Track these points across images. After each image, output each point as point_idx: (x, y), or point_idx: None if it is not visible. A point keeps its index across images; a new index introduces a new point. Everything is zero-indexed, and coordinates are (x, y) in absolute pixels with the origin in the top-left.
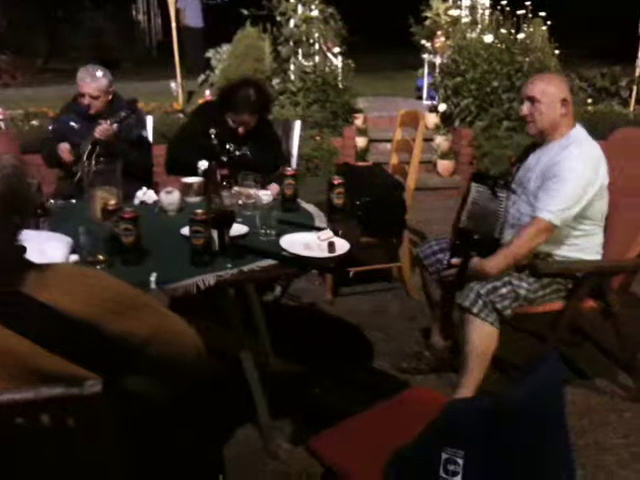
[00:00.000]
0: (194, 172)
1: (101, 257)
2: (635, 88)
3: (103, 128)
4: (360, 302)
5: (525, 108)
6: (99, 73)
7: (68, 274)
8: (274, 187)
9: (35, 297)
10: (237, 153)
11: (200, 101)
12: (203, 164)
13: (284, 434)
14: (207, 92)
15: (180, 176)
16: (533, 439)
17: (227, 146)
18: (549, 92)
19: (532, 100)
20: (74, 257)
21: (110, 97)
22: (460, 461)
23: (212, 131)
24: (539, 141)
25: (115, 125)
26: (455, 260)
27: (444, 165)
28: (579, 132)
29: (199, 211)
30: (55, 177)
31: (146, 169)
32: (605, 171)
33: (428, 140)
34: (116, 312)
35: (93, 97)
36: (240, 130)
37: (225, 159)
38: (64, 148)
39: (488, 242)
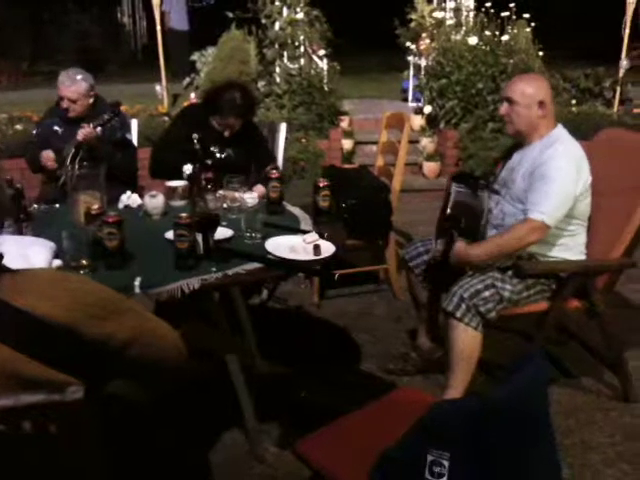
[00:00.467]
0: (178, 176)
1: (85, 262)
2: (619, 89)
3: (86, 131)
4: (347, 304)
5: (503, 108)
6: (78, 77)
7: (50, 279)
8: (260, 188)
9: (10, 303)
10: (222, 155)
11: (186, 104)
12: (188, 168)
13: (271, 437)
14: (192, 95)
15: (164, 180)
16: (518, 439)
17: (212, 149)
18: (527, 94)
19: (510, 101)
20: (57, 262)
21: (91, 101)
22: (446, 463)
23: (195, 136)
24: (520, 141)
25: (98, 128)
26: (440, 241)
27: (430, 167)
28: (561, 132)
29: (183, 215)
30: (39, 181)
31: (131, 172)
32: (587, 170)
33: (414, 142)
34: (98, 317)
35: (71, 100)
36: (226, 133)
37: (209, 162)
38: (47, 156)
39: (473, 231)
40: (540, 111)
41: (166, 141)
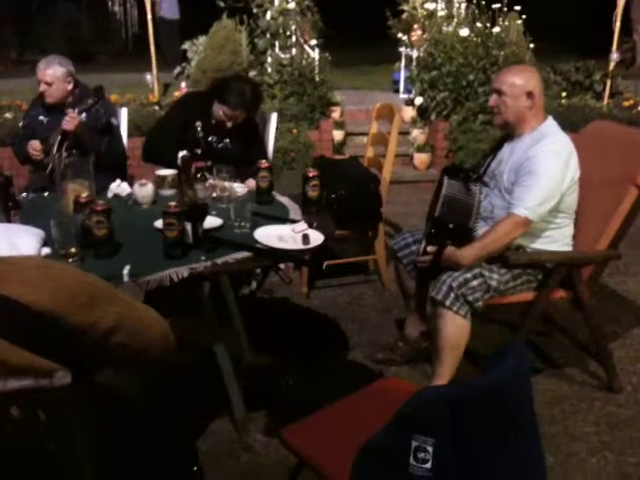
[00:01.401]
0: (171, 163)
1: (73, 250)
2: (609, 82)
3: (70, 117)
4: (336, 295)
5: (492, 99)
6: (55, 60)
7: (34, 267)
8: (251, 183)
9: None
10: (219, 146)
11: (177, 93)
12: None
13: (259, 426)
14: (183, 84)
15: (157, 164)
16: (501, 426)
17: (210, 138)
18: (515, 84)
19: (499, 92)
20: (46, 250)
21: (69, 87)
22: (430, 449)
23: (198, 124)
24: (509, 133)
25: (83, 115)
26: (430, 248)
27: (420, 158)
28: (551, 125)
29: (172, 203)
30: (28, 170)
31: (118, 158)
32: (576, 164)
33: (405, 133)
34: (83, 304)
35: (47, 83)
36: (228, 124)
37: (199, 151)
38: (34, 145)
39: (462, 232)
40: (528, 102)
41: (163, 127)
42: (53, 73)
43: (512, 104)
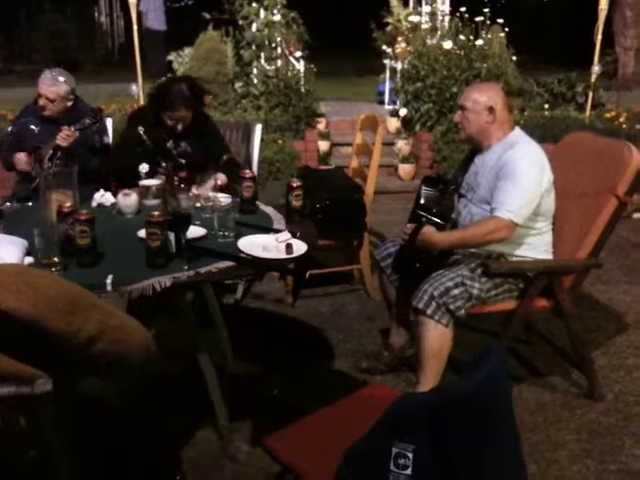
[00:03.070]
0: (139, 177)
1: (56, 259)
2: (591, 94)
3: (64, 134)
4: (320, 304)
5: (457, 115)
6: (61, 78)
7: (15, 273)
8: (221, 177)
9: None
10: (177, 151)
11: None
12: (144, 167)
13: (243, 436)
14: None
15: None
16: (480, 432)
17: (167, 145)
18: (477, 101)
19: (462, 108)
20: (29, 259)
21: (69, 104)
22: (410, 455)
23: (140, 128)
24: (476, 146)
25: (77, 132)
26: (409, 225)
27: (405, 169)
28: (519, 134)
29: (155, 213)
30: (12, 180)
31: (105, 176)
32: (549, 168)
33: (390, 144)
34: (63, 311)
35: (49, 100)
36: (178, 127)
37: (183, 162)
38: (22, 160)
39: (444, 219)
40: (490, 117)
41: (120, 145)
42: (57, 91)
43: (474, 119)
